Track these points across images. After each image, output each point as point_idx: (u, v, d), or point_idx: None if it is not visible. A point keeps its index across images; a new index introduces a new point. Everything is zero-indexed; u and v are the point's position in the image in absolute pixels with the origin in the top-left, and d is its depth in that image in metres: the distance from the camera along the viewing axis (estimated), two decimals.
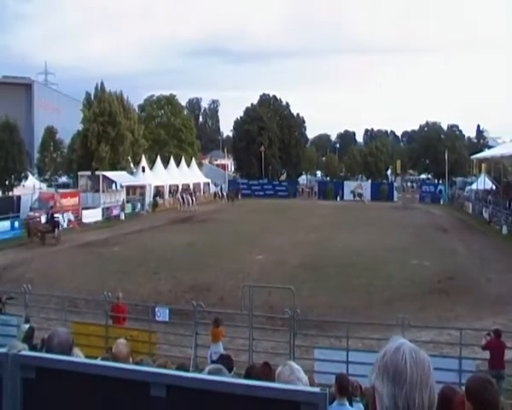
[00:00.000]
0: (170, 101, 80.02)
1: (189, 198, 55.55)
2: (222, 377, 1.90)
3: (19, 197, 41.23)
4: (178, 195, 56.29)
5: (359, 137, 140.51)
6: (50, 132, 58.22)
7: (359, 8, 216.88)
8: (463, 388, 3.59)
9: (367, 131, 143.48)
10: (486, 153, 61.10)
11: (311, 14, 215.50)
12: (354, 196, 71.10)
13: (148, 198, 54.20)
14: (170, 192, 59.34)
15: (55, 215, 34.31)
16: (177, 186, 60.60)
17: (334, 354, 12.69)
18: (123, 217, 46.39)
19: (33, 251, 29.50)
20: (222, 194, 66.74)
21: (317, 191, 77.18)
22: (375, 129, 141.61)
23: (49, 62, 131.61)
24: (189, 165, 67.84)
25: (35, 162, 59.65)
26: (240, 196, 71.59)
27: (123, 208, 47.90)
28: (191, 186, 63.74)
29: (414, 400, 1.74)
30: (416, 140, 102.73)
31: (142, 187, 54.20)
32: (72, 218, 39.90)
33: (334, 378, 7.19)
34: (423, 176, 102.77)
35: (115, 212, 47.23)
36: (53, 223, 33.21)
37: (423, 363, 1.78)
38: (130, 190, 53.67)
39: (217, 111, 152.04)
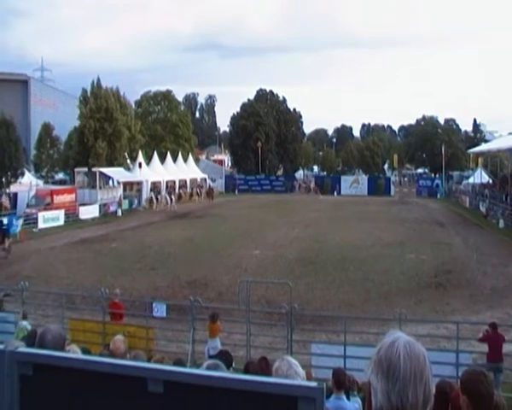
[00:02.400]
0: (166, 96, 79.92)
1: (167, 197, 52.16)
2: (219, 373, 1.90)
3: (15, 194, 41.20)
4: (152, 193, 52.59)
5: (356, 132, 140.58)
6: (47, 129, 58.24)
7: (355, 2, 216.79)
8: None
9: (364, 125, 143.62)
10: (483, 147, 61.16)
11: (307, 9, 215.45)
12: (308, 190, 69.93)
13: (145, 194, 54.09)
14: (167, 188, 59.13)
15: (4, 223, 29.14)
16: (174, 182, 60.53)
17: (332, 349, 12.71)
18: (120, 213, 46.33)
19: (30, 248, 29.46)
20: (200, 192, 62.25)
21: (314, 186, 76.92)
22: (372, 123, 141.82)
23: (45, 59, 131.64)
24: (185, 160, 67.74)
25: (31, 159, 59.66)
26: (237, 192, 71.65)
27: (120, 205, 47.84)
28: (188, 182, 63.53)
29: (407, 396, 1.73)
30: (412, 134, 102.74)
31: (139, 183, 54.09)
32: (19, 225, 33.90)
33: (331, 373, 7.21)
34: (420, 170, 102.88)
35: (112, 208, 47.15)
36: (1, 232, 27.81)
37: (418, 356, 1.77)
38: (127, 186, 53.57)
39: (213, 106, 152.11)
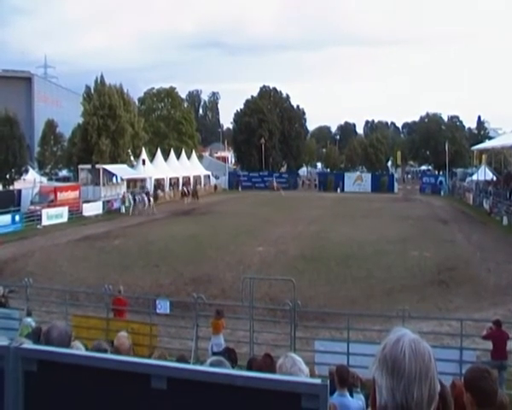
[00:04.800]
0: (170, 93, 79.97)
1: (145, 198, 46.59)
2: (223, 369, 1.90)
3: (19, 191, 41.26)
4: (129, 195, 47.25)
5: (360, 129, 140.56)
6: (50, 126, 58.15)
7: (358, 0, 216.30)
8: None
9: (367, 122, 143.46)
10: (487, 144, 61.02)
11: (310, 6, 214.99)
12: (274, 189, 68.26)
13: (150, 189, 53.95)
14: (170, 185, 59.13)
15: None
16: (177, 179, 60.54)
17: (335, 346, 12.72)
18: (123, 210, 46.29)
19: (34, 245, 29.52)
20: (188, 191, 56.21)
21: (318, 183, 76.85)
22: (376, 120, 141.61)
23: (48, 56, 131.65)
24: (189, 157, 67.79)
25: (35, 156, 59.67)
26: (240, 189, 71.55)
27: (123, 201, 47.78)
28: (191, 179, 63.37)
29: (412, 394, 1.72)
30: (416, 131, 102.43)
31: (143, 180, 54.11)
32: None
33: (329, 370, 7.20)
34: (424, 167, 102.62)
35: (116, 205, 47.16)
36: None
37: (423, 355, 1.76)
38: (131, 183, 53.56)
39: (217, 103, 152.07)
